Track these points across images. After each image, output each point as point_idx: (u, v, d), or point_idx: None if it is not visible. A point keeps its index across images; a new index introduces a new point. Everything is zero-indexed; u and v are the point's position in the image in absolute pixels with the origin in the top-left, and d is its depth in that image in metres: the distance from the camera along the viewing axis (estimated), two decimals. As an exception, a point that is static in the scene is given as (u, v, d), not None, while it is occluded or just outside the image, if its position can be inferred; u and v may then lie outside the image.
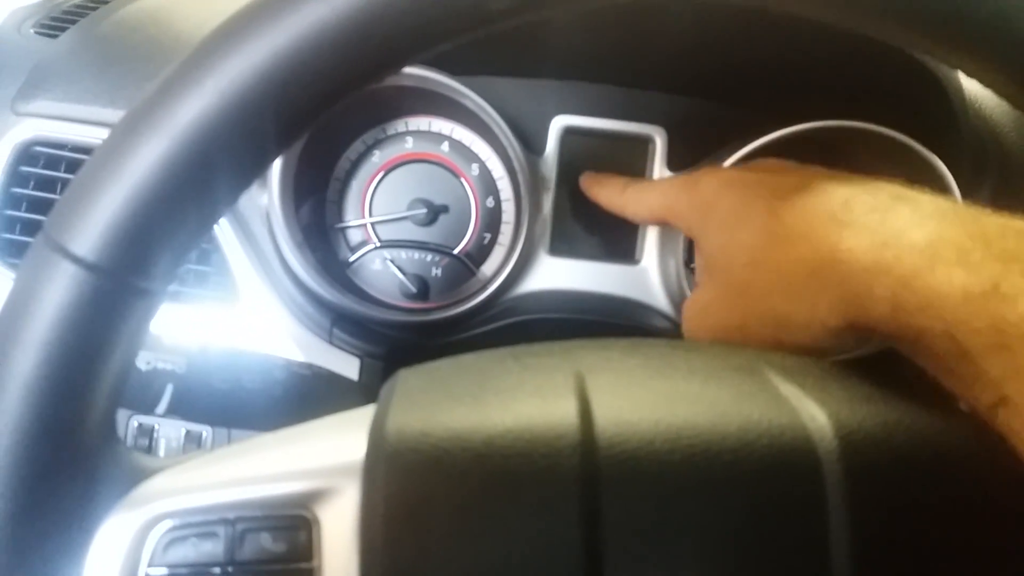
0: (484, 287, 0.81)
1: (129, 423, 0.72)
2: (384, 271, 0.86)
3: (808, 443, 0.36)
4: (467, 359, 0.46)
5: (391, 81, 0.77)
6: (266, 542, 0.37)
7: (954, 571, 0.35)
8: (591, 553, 0.34)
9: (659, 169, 0.86)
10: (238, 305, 0.79)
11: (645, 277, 0.87)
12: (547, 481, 0.35)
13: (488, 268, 0.87)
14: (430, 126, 0.87)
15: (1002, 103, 0.77)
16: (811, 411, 0.38)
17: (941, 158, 0.73)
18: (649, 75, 0.84)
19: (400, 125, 0.87)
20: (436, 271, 0.87)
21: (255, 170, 0.38)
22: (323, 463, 0.38)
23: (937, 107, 0.73)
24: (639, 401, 0.39)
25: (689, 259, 0.89)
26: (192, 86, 0.35)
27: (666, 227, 0.85)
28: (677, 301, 0.85)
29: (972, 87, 0.77)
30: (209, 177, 0.36)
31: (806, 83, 0.77)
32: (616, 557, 0.34)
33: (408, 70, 0.74)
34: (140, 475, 0.39)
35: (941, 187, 0.74)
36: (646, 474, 0.35)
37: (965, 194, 0.74)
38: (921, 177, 0.77)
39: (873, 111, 0.75)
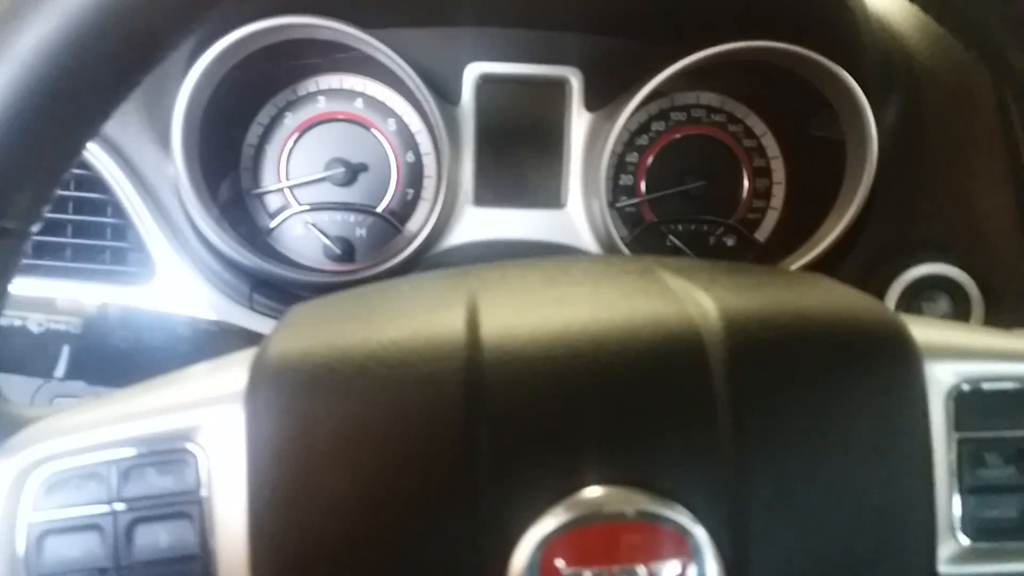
0: (409, 243, 0.81)
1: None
2: (307, 235, 0.86)
3: (692, 328, 0.37)
4: (363, 289, 0.46)
5: (299, 35, 0.77)
6: (152, 477, 0.37)
7: (827, 428, 0.36)
8: (475, 451, 0.34)
9: (577, 111, 0.86)
10: (155, 279, 0.78)
11: (571, 221, 0.87)
12: (432, 386, 0.35)
13: (413, 224, 0.87)
14: (342, 83, 0.86)
15: (907, 15, 0.79)
16: (699, 300, 0.39)
17: (848, 72, 0.74)
18: (561, 15, 0.84)
19: (311, 85, 0.86)
20: (360, 231, 0.86)
21: (106, 102, 0.37)
22: (206, 395, 0.38)
23: (840, 22, 0.74)
24: (527, 306, 0.39)
25: (614, 200, 0.90)
26: (31, 11, 0.34)
27: (589, 168, 0.85)
28: (604, 242, 0.85)
29: (875, 1, 0.78)
30: (59, 108, 0.36)
31: (714, 9, 0.78)
32: (500, 453, 0.34)
33: (316, 22, 0.74)
34: (17, 424, 0.38)
35: (850, 102, 0.75)
36: (531, 370, 0.35)
37: (875, 107, 0.75)
38: (830, 92, 0.78)
39: (780, 32, 0.75)
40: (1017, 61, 0.40)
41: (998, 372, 0.40)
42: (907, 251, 0.78)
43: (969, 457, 0.39)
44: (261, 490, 0.35)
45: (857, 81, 0.73)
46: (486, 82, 0.85)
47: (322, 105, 0.86)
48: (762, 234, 0.91)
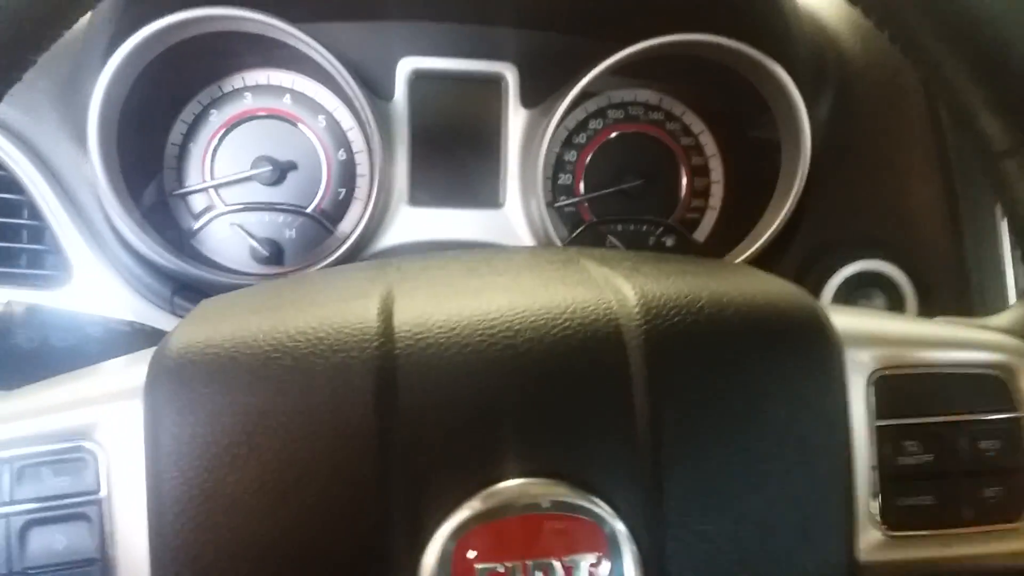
0: (341, 244, 0.80)
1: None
2: (233, 236, 0.84)
3: (611, 315, 0.37)
4: (277, 281, 0.45)
5: (224, 28, 0.75)
6: (47, 477, 0.36)
7: (745, 416, 0.36)
8: (385, 444, 0.34)
9: (513, 107, 0.86)
10: (72, 282, 0.75)
11: (509, 221, 0.87)
12: (340, 376, 0.34)
13: (346, 225, 0.86)
14: (269, 79, 0.85)
15: (839, 12, 0.80)
16: (619, 288, 0.39)
17: (781, 67, 0.75)
18: (496, 10, 0.84)
19: (237, 80, 0.85)
20: (290, 232, 0.85)
21: None
22: (104, 391, 0.37)
23: (771, 17, 0.76)
24: (444, 296, 0.39)
25: (552, 199, 0.90)
26: None
27: (527, 166, 0.85)
28: (543, 243, 0.85)
29: (806, -3, 0.80)
30: None
31: (649, 5, 0.79)
32: (411, 445, 0.34)
33: (241, 14, 0.72)
34: None
35: (783, 98, 0.77)
36: (445, 360, 0.35)
37: (808, 103, 0.76)
38: (764, 89, 0.80)
39: (713, 27, 0.77)
40: (939, 54, 0.41)
41: (917, 358, 0.41)
42: (842, 248, 0.79)
43: (888, 444, 0.39)
44: (161, 489, 0.34)
45: (790, 76, 0.75)
46: (419, 78, 0.85)
47: (249, 102, 0.85)
48: (701, 234, 0.92)
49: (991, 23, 0.39)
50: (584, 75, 0.78)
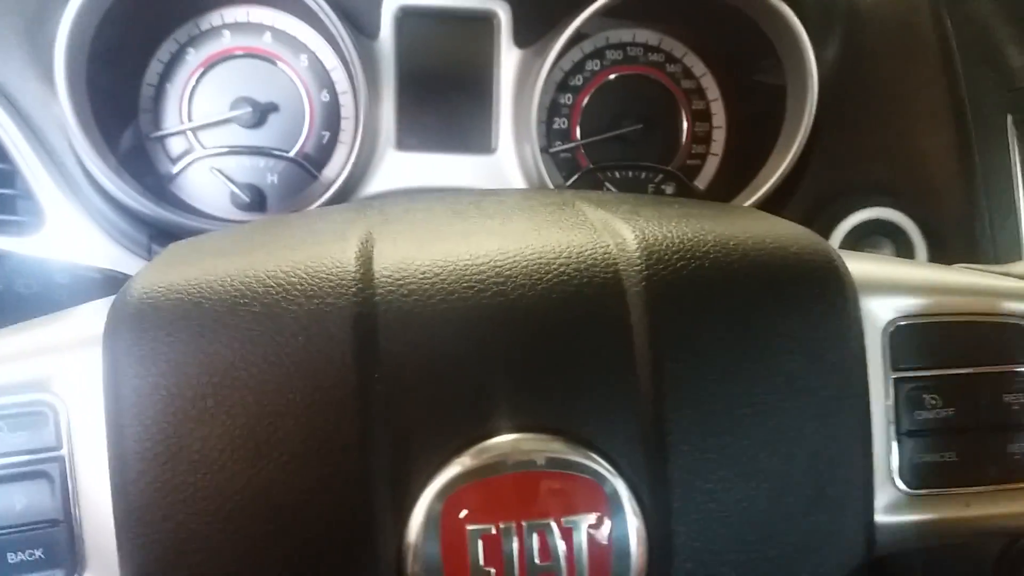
0: (326, 190, 0.77)
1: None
2: (213, 182, 0.81)
3: (609, 259, 0.34)
4: (251, 223, 0.43)
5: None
6: (3, 434, 0.33)
7: (754, 367, 0.34)
8: (365, 396, 0.31)
9: (506, 47, 0.83)
10: (45, 228, 0.72)
11: (502, 166, 0.84)
12: (315, 324, 0.32)
13: (330, 170, 0.83)
14: (248, 16, 0.82)
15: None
16: (618, 231, 0.36)
17: (787, 5, 0.72)
18: None
19: (215, 18, 0.81)
20: (271, 177, 0.82)
21: None
22: (61, 339, 0.34)
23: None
24: (429, 239, 0.36)
25: (548, 144, 0.87)
26: None
27: (520, 109, 0.82)
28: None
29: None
30: None
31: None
32: (394, 397, 0.31)
33: None
34: None
35: (789, 37, 0.73)
36: (430, 307, 0.33)
37: (815, 43, 0.73)
38: (769, 29, 0.76)
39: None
40: None
41: (937, 306, 0.38)
42: (849, 195, 0.77)
43: (907, 398, 0.37)
44: (123, 445, 0.32)
45: (796, 14, 0.71)
46: (407, 15, 0.81)
47: (227, 40, 0.81)
48: (702, 181, 0.89)
49: None
50: (580, 13, 0.75)
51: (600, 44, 0.87)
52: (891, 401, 0.37)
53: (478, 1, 0.82)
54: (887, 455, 0.37)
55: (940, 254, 0.75)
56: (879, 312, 0.37)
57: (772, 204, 0.78)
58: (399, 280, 0.33)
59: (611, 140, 0.86)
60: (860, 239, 0.75)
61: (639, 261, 0.34)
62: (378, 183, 0.82)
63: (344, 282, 0.33)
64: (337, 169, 0.82)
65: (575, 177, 0.87)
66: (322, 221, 0.41)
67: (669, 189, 0.89)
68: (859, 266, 0.38)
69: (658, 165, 0.88)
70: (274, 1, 0.80)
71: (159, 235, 0.73)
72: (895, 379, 0.37)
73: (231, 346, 0.32)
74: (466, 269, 0.34)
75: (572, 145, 0.87)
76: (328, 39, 0.82)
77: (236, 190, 0.80)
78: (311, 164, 0.82)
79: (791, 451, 0.34)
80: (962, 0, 0.39)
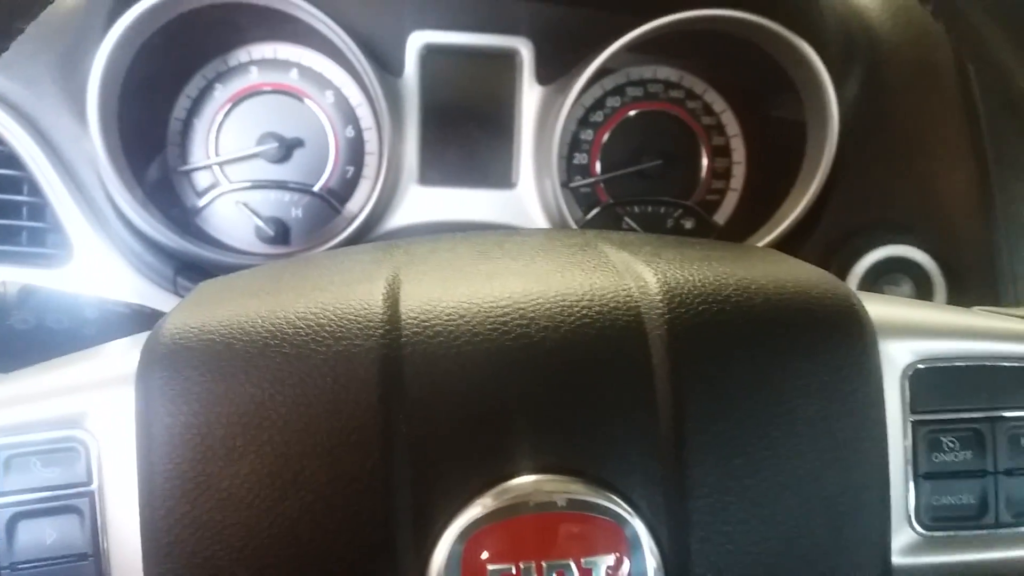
0: (348, 224, 0.78)
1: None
2: (239, 215, 0.83)
3: (631, 302, 0.35)
4: (279, 262, 0.44)
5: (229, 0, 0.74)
6: (36, 468, 0.34)
7: (774, 411, 0.34)
8: (390, 436, 0.32)
9: (528, 85, 0.84)
10: (73, 261, 0.74)
11: (522, 201, 0.85)
12: (343, 365, 0.33)
13: (354, 204, 0.85)
14: (276, 53, 0.84)
15: (870, -14, 0.78)
16: (640, 273, 0.37)
17: (809, 44, 0.73)
18: None
19: (243, 55, 0.83)
20: (296, 211, 0.84)
21: None
22: (95, 377, 0.35)
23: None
24: (454, 281, 0.37)
25: (567, 179, 0.88)
26: None
27: (541, 145, 0.83)
28: (557, 223, 0.84)
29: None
30: None
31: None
32: (418, 438, 0.32)
33: None
34: None
35: (811, 76, 0.74)
36: (454, 348, 0.33)
37: (836, 81, 0.74)
38: (790, 66, 0.77)
39: (739, 2, 0.74)
40: (984, 29, 0.39)
41: (955, 350, 0.39)
42: (869, 232, 0.77)
43: (924, 440, 0.38)
44: (153, 481, 0.33)
45: (817, 53, 0.72)
46: (431, 52, 0.83)
47: (255, 76, 0.83)
48: (721, 216, 0.90)
49: None
50: (602, 51, 0.76)
51: (621, 81, 0.89)
52: (909, 443, 0.37)
53: (501, 39, 0.83)
54: (905, 497, 0.37)
55: (960, 292, 0.75)
56: (898, 355, 0.38)
57: (792, 240, 0.78)
58: (425, 322, 0.34)
59: (631, 176, 0.87)
60: (880, 276, 0.75)
61: (660, 304, 0.35)
62: (400, 217, 0.84)
63: (372, 324, 0.34)
64: (360, 204, 0.83)
65: (595, 211, 0.88)
66: (350, 261, 0.42)
67: (688, 224, 0.90)
68: (878, 309, 0.39)
69: (678, 200, 0.89)
70: (301, 38, 0.82)
71: (184, 268, 0.75)
72: (913, 422, 0.38)
73: (261, 387, 0.33)
74: (491, 311, 0.35)
75: (592, 180, 0.88)
76: (353, 76, 0.83)
77: (261, 224, 0.81)
78: (335, 198, 0.84)
79: (809, 494, 0.34)
80: (983, 45, 0.40)
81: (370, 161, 0.85)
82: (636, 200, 0.89)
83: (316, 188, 0.84)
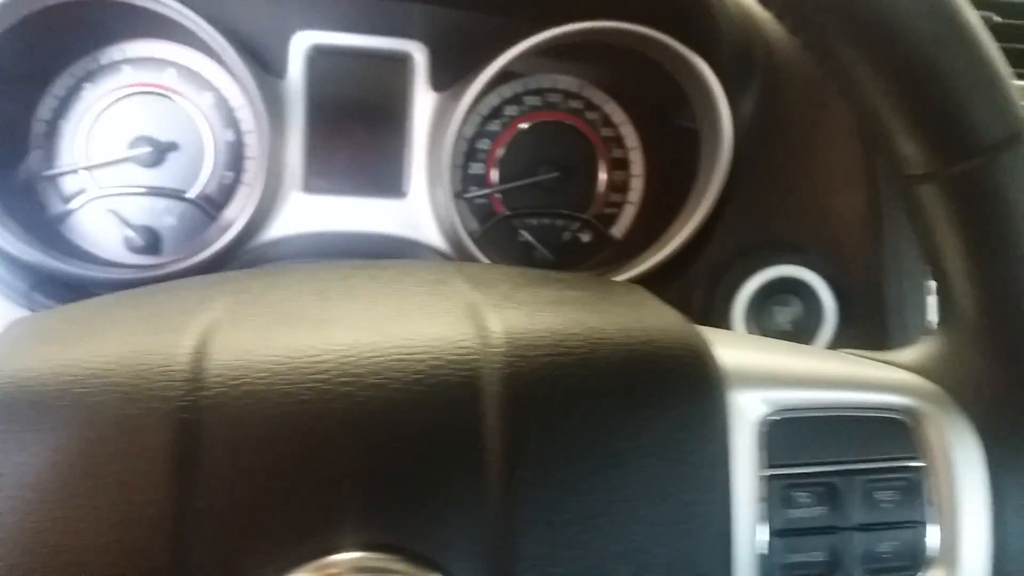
0: (223, 233, 0.74)
1: None
2: (107, 224, 0.78)
3: (470, 357, 0.33)
4: (108, 298, 0.40)
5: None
6: None
7: (612, 478, 0.33)
8: (183, 516, 0.29)
9: (422, 89, 0.81)
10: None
11: (414, 211, 0.82)
12: (133, 431, 0.30)
13: (232, 212, 0.81)
14: (151, 52, 0.79)
15: (766, 1, 0.77)
16: (485, 322, 0.35)
17: (704, 59, 0.71)
18: None
19: (115, 52, 0.78)
20: (169, 219, 0.79)
21: None
22: None
23: (697, 6, 0.72)
24: (277, 329, 0.34)
25: (463, 190, 0.85)
26: None
27: (434, 153, 0.80)
28: (450, 236, 0.81)
29: (734, -14, 0.76)
30: None
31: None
32: (218, 513, 0.29)
33: None
34: None
35: (704, 91, 0.73)
36: (263, 411, 0.31)
37: (731, 96, 0.73)
38: (685, 81, 0.76)
39: (636, 14, 0.73)
40: (853, 67, 0.38)
41: (810, 400, 0.37)
42: (761, 251, 0.77)
43: (777, 496, 0.36)
44: None
45: (713, 68, 0.71)
46: (319, 54, 0.79)
47: (127, 76, 0.79)
48: (619, 230, 0.89)
49: (910, 36, 0.35)
50: (498, 57, 0.74)
51: (519, 89, 0.86)
52: (762, 499, 0.36)
53: (394, 42, 0.80)
54: (753, 555, 0.36)
55: (849, 315, 0.75)
56: (750, 407, 0.36)
57: (685, 256, 0.77)
58: (232, 380, 0.31)
59: (527, 187, 0.85)
60: (770, 296, 0.75)
61: (500, 358, 0.33)
62: (281, 227, 0.80)
63: (172, 382, 0.30)
64: (237, 211, 0.79)
65: (490, 223, 0.86)
66: (174, 299, 0.38)
67: (586, 238, 0.88)
68: (733, 355, 0.37)
69: (575, 213, 0.87)
70: (179, 36, 0.78)
71: (43, 282, 0.70)
72: (768, 476, 0.36)
73: (36, 453, 0.29)
74: (311, 367, 0.32)
75: (487, 191, 0.86)
76: (235, 76, 0.79)
77: (131, 233, 0.77)
78: (211, 206, 0.80)
79: (648, 561, 0.33)
80: (852, 84, 0.39)
81: (251, 167, 0.81)
82: (532, 212, 0.87)
83: (190, 194, 0.79)
